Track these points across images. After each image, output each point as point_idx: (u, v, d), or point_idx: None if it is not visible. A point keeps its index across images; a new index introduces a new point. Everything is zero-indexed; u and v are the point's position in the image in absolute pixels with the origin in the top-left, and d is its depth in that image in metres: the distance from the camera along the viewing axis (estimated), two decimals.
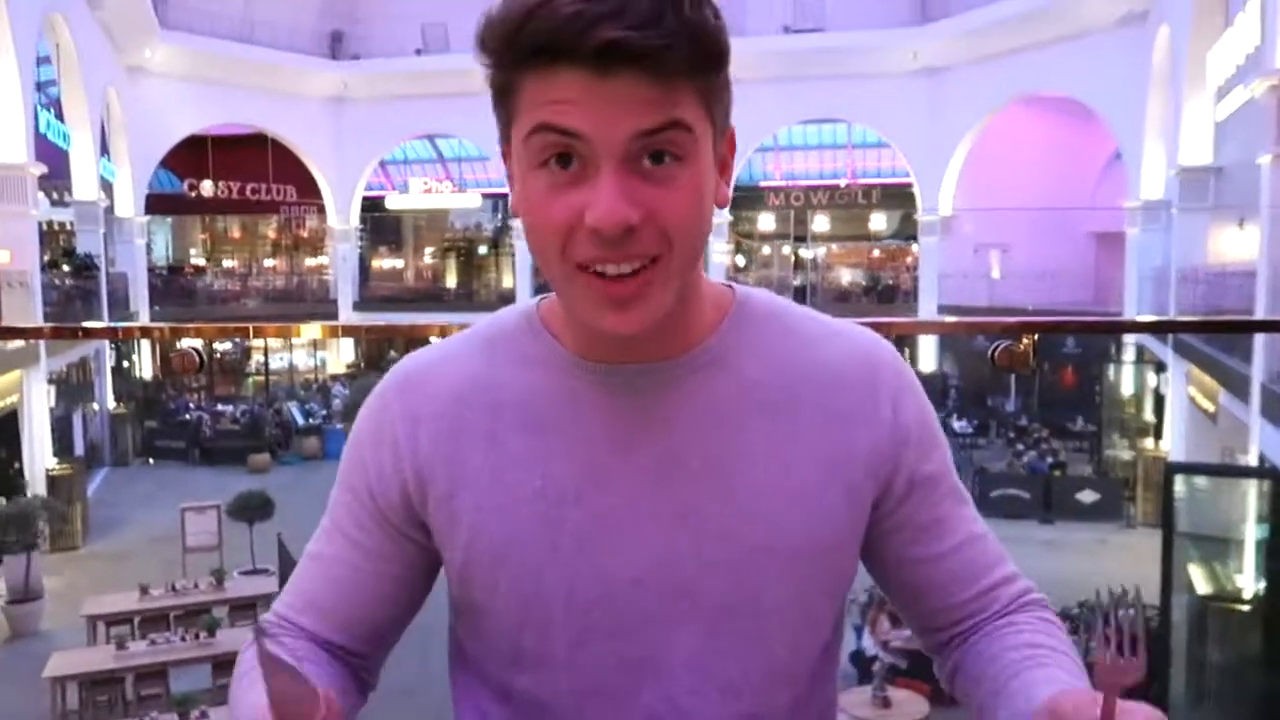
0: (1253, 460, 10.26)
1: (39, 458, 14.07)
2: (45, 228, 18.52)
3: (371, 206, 27.87)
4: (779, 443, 0.85)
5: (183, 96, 22.06)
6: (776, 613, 0.86)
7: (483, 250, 31.30)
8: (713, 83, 0.75)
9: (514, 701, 0.90)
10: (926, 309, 22.33)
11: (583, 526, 0.84)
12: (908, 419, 0.88)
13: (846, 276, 27.86)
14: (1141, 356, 18.60)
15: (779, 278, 27.42)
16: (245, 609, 10.12)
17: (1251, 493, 7.96)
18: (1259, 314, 10.15)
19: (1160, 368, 16.85)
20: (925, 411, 0.91)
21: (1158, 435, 16.92)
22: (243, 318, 25.80)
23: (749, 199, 26.47)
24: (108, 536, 14.32)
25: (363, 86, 24.84)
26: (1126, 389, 18.99)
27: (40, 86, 16.07)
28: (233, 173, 26.60)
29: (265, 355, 27.03)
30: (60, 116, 17.67)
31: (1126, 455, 17.47)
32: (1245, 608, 7.88)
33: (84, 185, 18.33)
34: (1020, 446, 18.36)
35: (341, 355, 27.33)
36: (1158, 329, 12.21)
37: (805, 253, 27.99)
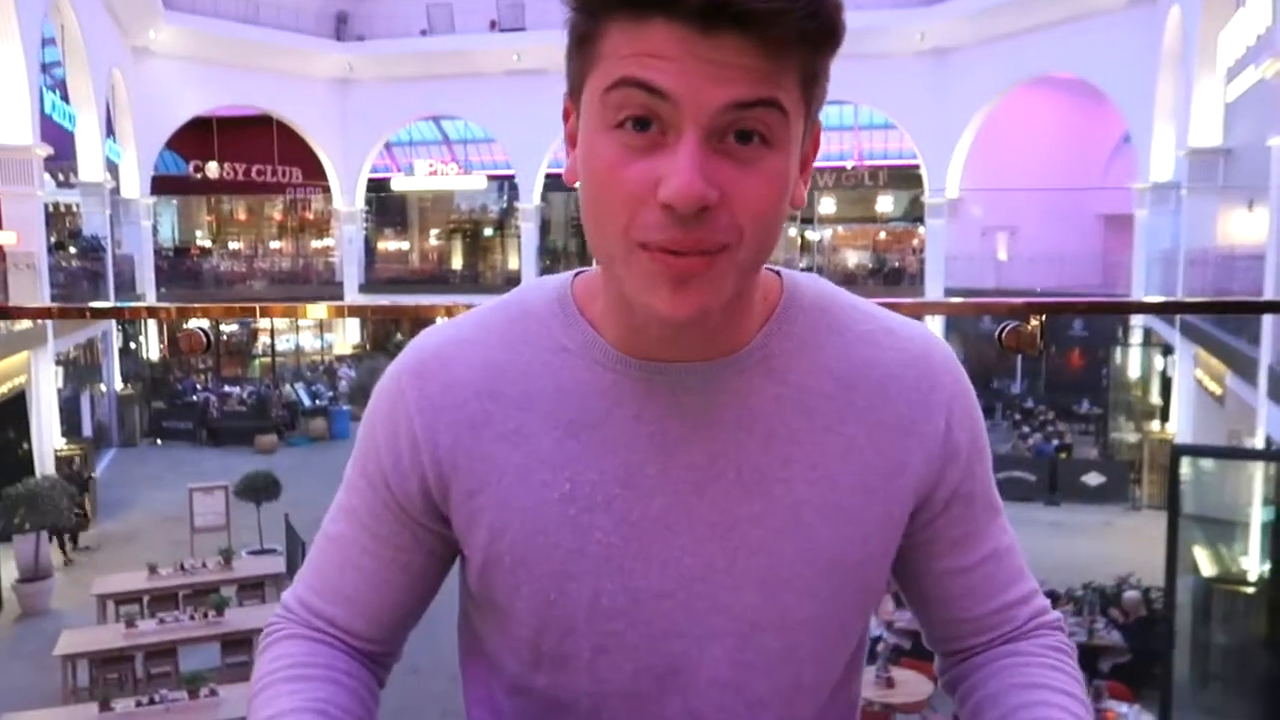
0: (1259, 443, 10.25)
1: (47, 438, 14.14)
2: (51, 209, 18.53)
3: (377, 188, 27.85)
4: (824, 454, 0.80)
5: (187, 78, 22.03)
6: (807, 626, 0.82)
7: (488, 232, 31.27)
8: (819, 64, 0.69)
9: (530, 696, 0.86)
10: (933, 291, 22.26)
11: (611, 535, 0.79)
12: (960, 435, 0.84)
13: (853, 259, 27.79)
14: (1149, 339, 18.55)
15: (785, 259, 27.37)
16: (253, 588, 10.19)
17: (1258, 475, 7.95)
18: (1268, 296, 10.11)
19: (1167, 350, 16.81)
20: (977, 424, 0.86)
21: (1164, 418, 16.89)
22: (249, 299, 25.84)
23: None
24: (116, 517, 14.40)
25: (368, 68, 24.77)
26: (1133, 371, 18.95)
27: (45, 68, 16.05)
28: (238, 154, 26.59)
29: (272, 337, 27.07)
30: (65, 98, 17.65)
31: (1133, 438, 17.46)
32: (1250, 590, 7.89)
33: (89, 167, 18.34)
34: (1026, 429, 18.35)
35: (348, 337, 27.37)
36: (1165, 310, 12.19)
37: (811, 235, 27.91)
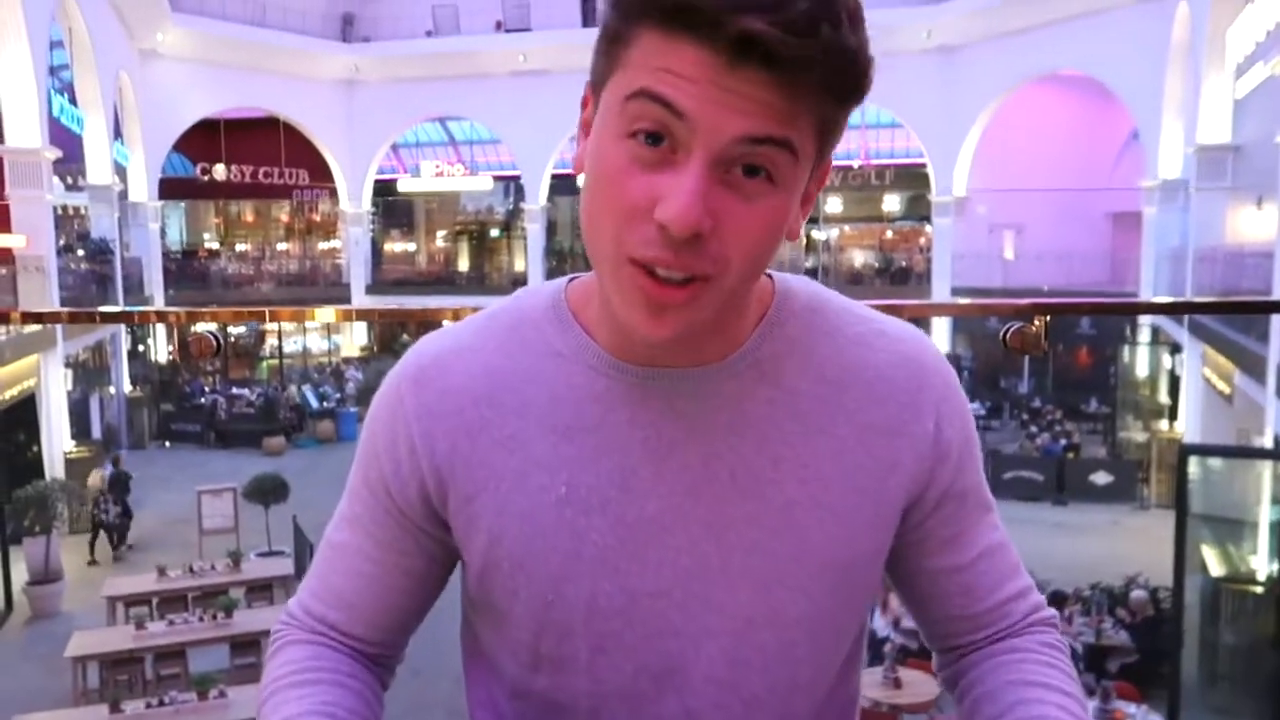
0: (1268, 442, 10.21)
1: (57, 441, 14.20)
2: (60, 212, 18.61)
3: (383, 189, 27.91)
4: (816, 456, 0.81)
5: (195, 80, 22.11)
6: (802, 625, 0.83)
7: (494, 233, 31.30)
8: (839, 114, 0.70)
9: (530, 699, 0.88)
10: (940, 291, 22.22)
11: (607, 536, 0.80)
12: (950, 434, 0.85)
13: (859, 258, 27.75)
14: (1157, 338, 18.49)
15: (791, 259, 27.34)
16: (262, 590, 10.22)
17: (1266, 474, 7.93)
18: (1277, 294, 10.07)
19: (1175, 349, 16.75)
20: (967, 424, 0.87)
21: (1173, 417, 16.84)
22: (256, 301, 25.91)
23: None
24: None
25: (374, 69, 24.83)
26: (1141, 370, 18.89)
27: (53, 71, 16.13)
28: (245, 156, 26.68)
29: (279, 339, 27.15)
30: (73, 101, 17.73)
31: (1141, 437, 17.41)
32: (1259, 589, 7.87)
33: (98, 170, 18.42)
34: (1034, 428, 18.31)
35: (355, 339, 27.45)
36: (1171, 310, 12.15)
37: (818, 234, 27.88)
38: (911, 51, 21.54)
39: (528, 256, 25.94)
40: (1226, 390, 12.90)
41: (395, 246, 31.32)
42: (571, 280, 0.87)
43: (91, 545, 12.59)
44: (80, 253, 18.86)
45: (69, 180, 19.53)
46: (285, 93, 24.07)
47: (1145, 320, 18.51)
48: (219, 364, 23.80)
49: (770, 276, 0.86)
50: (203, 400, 21.24)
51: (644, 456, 0.80)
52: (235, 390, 21.86)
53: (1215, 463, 8.58)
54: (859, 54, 0.67)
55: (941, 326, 21.95)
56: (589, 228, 0.71)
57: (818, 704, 0.89)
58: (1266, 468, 8.03)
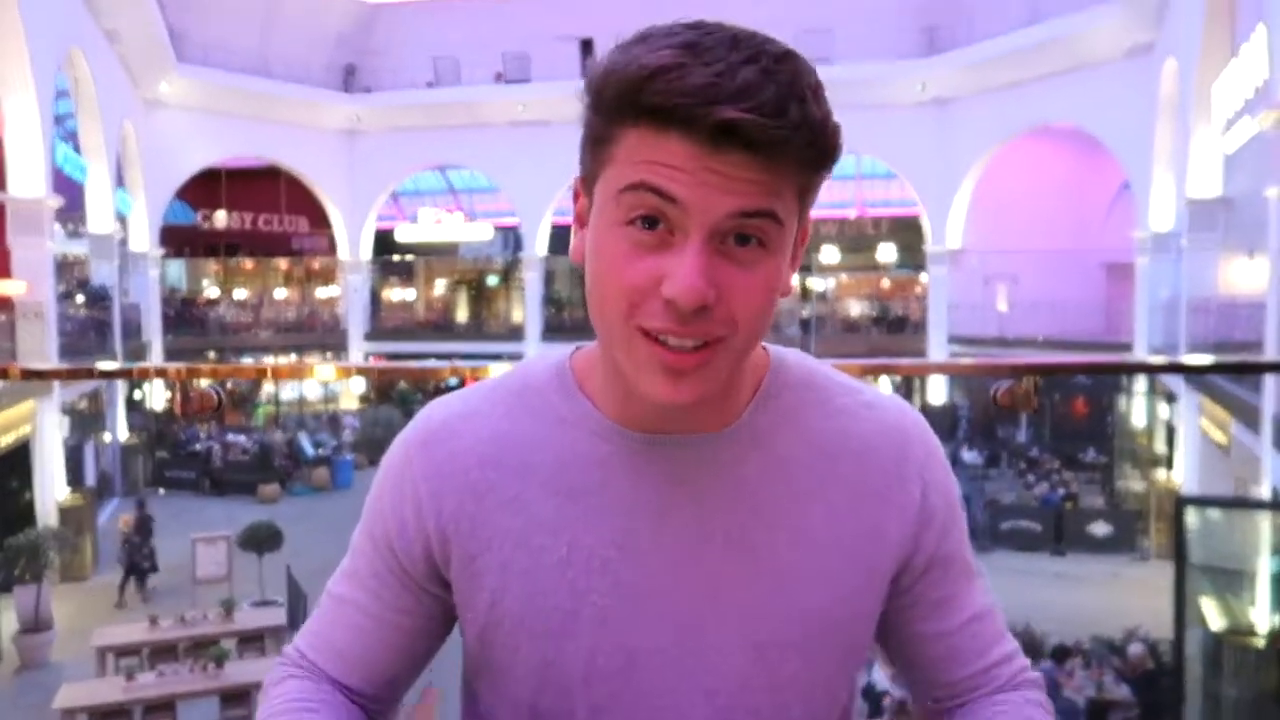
0: (1265, 493, 10.19)
1: (50, 488, 14.11)
2: (61, 259, 18.70)
3: (383, 237, 28.08)
4: (808, 521, 0.85)
5: (198, 129, 22.35)
6: (795, 686, 0.86)
7: (492, 282, 31.44)
8: (814, 180, 0.75)
9: None
10: (936, 340, 22.31)
11: (607, 597, 0.83)
12: (934, 500, 0.89)
13: (856, 308, 27.89)
14: (1153, 387, 18.51)
15: (788, 309, 27.48)
16: (254, 640, 10.10)
17: (1265, 525, 7.90)
18: (1269, 349, 10.12)
19: (1171, 398, 16.77)
20: (950, 491, 0.91)
21: (1170, 466, 16.81)
22: (255, 348, 25.95)
23: None
24: (117, 567, 14.32)
25: (375, 119, 25.12)
26: (1138, 420, 18.89)
27: (58, 119, 16.30)
28: (246, 204, 26.90)
29: (276, 385, 27.12)
30: (77, 149, 17.89)
31: (1139, 486, 17.36)
32: (1260, 643, 7.79)
33: (99, 218, 18.52)
34: (1031, 478, 18.25)
35: (352, 387, 27.43)
36: (1161, 371, 12.14)
37: (814, 283, 28.04)
38: (906, 104, 21.87)
39: (526, 305, 26.05)
40: (1223, 440, 12.89)
41: (394, 294, 31.43)
42: (576, 350, 0.91)
43: (121, 587, 12.75)
44: (80, 299, 18.90)
45: (70, 227, 19.63)
46: (287, 142, 24.33)
47: None
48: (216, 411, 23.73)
49: (765, 349, 0.90)
50: (198, 447, 21.15)
51: (643, 520, 0.84)
52: (231, 437, 21.79)
53: (1214, 513, 8.55)
54: (826, 125, 0.72)
55: (939, 376, 22.01)
56: (597, 310, 0.76)
57: None
58: (1265, 519, 8.00)
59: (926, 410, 22.38)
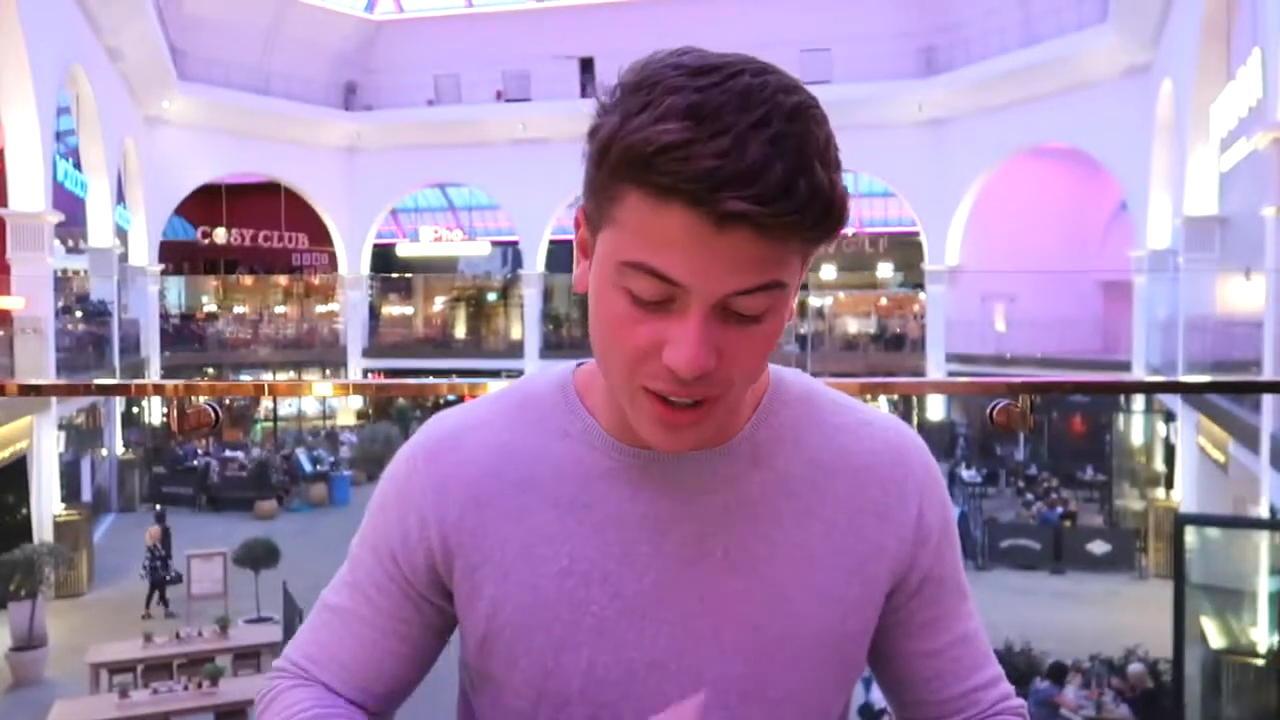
0: (1263, 511, 10.18)
1: (46, 504, 14.08)
2: (60, 274, 18.72)
3: (382, 254, 28.14)
4: (806, 537, 0.86)
5: (199, 146, 22.44)
6: (791, 700, 0.86)
7: (492, 298, 31.49)
8: (819, 245, 0.74)
9: None
10: (934, 357, 22.33)
11: (606, 608, 0.84)
12: (931, 520, 0.89)
13: (854, 325, 27.93)
14: (1151, 405, 18.52)
15: (786, 326, 27.48)
16: (249, 657, 10.05)
17: (1263, 544, 7.89)
18: (1267, 368, 10.14)
19: (1170, 417, 16.78)
20: (946, 510, 0.92)
21: (1169, 485, 16.79)
22: (253, 364, 25.95)
23: None
24: (113, 583, 14.26)
25: (375, 136, 25.22)
26: (1136, 438, 18.88)
27: (59, 136, 16.36)
28: (246, 220, 26.96)
29: (274, 402, 27.09)
30: (78, 165, 17.94)
31: (1138, 505, 17.33)
32: (1260, 661, 7.77)
33: (99, 233, 18.56)
34: (1030, 496, 18.22)
35: (351, 403, 27.42)
36: (1158, 390, 12.15)
37: (813, 301, 28.09)
38: (904, 124, 21.98)
39: (524, 322, 26.08)
40: (1221, 459, 12.89)
41: (393, 310, 31.46)
42: (579, 365, 0.92)
43: (148, 600, 12.85)
44: (78, 314, 18.91)
45: (69, 243, 19.67)
46: (288, 159, 24.41)
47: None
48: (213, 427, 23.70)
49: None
50: (195, 463, 21.10)
51: (643, 533, 0.84)
52: (228, 453, 21.74)
53: (1213, 532, 8.55)
54: (834, 193, 0.70)
55: (937, 395, 22.02)
56: (600, 356, 0.78)
57: None
58: (1264, 538, 7.99)
59: (924, 427, 22.38)
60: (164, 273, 23.11)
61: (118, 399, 20.15)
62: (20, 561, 11.01)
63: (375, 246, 26.70)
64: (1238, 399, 11.46)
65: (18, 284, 14.37)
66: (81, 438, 18.01)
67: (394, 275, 29.53)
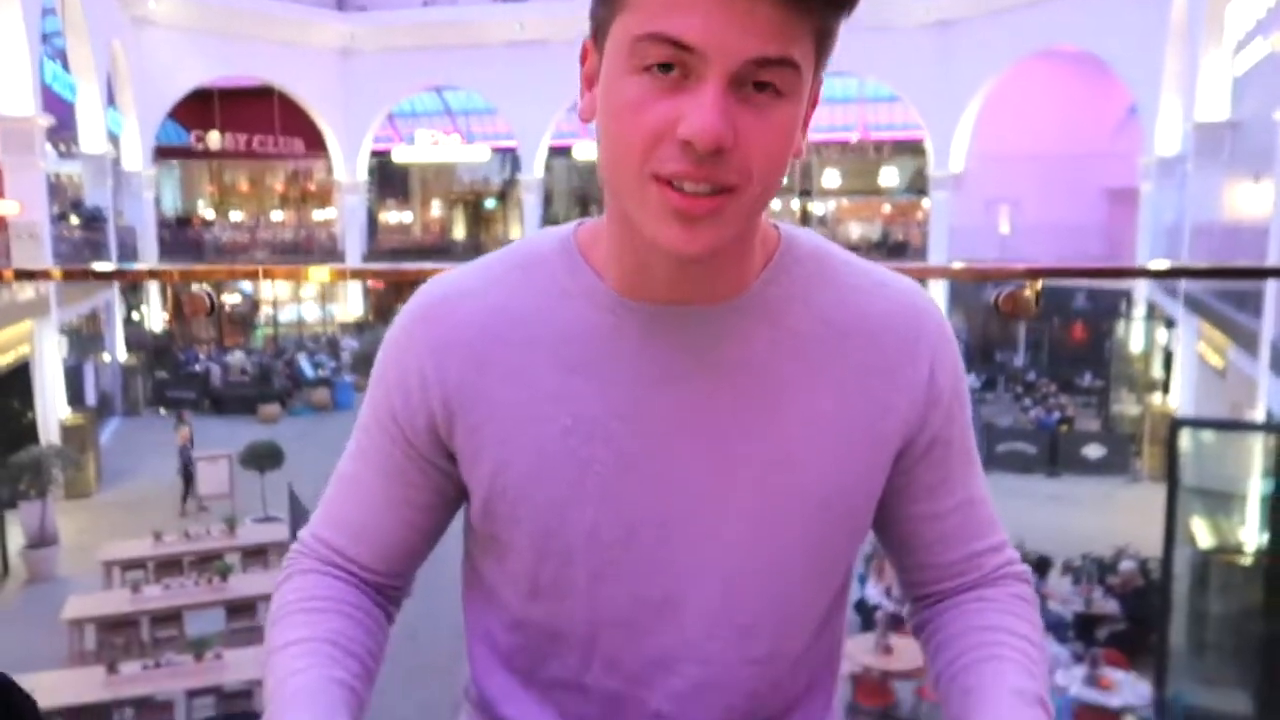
0: (1260, 415, 10.27)
1: (52, 407, 14.20)
2: (54, 180, 18.50)
3: (379, 158, 27.76)
4: (815, 395, 0.83)
5: (188, 48, 21.90)
6: (797, 560, 0.86)
7: (490, 203, 31.20)
8: (834, 25, 0.72)
9: (528, 629, 0.90)
10: (937, 264, 22.22)
11: (610, 466, 0.82)
12: (943, 381, 0.87)
13: (857, 231, 27.73)
14: (1152, 313, 18.53)
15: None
16: (257, 554, 10.28)
17: (1257, 447, 7.97)
18: (1271, 258, 10.10)
19: (1170, 324, 16.79)
20: (959, 373, 0.90)
21: (1166, 390, 16.91)
22: (251, 272, 25.81)
23: None
24: (120, 485, 14.49)
25: (370, 38, 24.61)
26: (1136, 345, 18.94)
27: (46, 38, 15.96)
28: (240, 125, 26.46)
29: (274, 307, 27.09)
30: (66, 68, 17.57)
31: (1134, 410, 17.49)
32: (1247, 560, 7.93)
33: (91, 137, 18.28)
34: (1028, 401, 18.38)
35: (350, 307, 27.39)
36: (1164, 275, 12.16)
37: (814, 207, 27.84)
38: (910, 26, 21.41)
39: (524, 227, 25.86)
40: (1220, 364, 12.95)
41: (391, 216, 31.18)
42: (580, 223, 0.88)
43: (184, 496, 13.29)
44: (74, 221, 18.75)
45: (62, 148, 19.39)
46: (280, 62, 23.85)
47: (1140, 295, 18.53)
48: (214, 332, 23.75)
49: (776, 226, 0.88)
50: (197, 368, 21.22)
51: (648, 391, 0.82)
52: (229, 358, 21.84)
53: (1207, 436, 8.62)
54: None
55: (938, 297, 21.85)
56: (608, 161, 0.73)
57: (808, 638, 0.91)
58: (1258, 440, 8.06)
59: None
60: (157, 160, 22.74)
61: (117, 304, 20.14)
62: (28, 463, 11.17)
63: (372, 151, 26.32)
64: (1239, 305, 11.46)
65: (11, 190, 14.23)
66: (83, 343, 18.07)
67: (389, 164, 29.08)
